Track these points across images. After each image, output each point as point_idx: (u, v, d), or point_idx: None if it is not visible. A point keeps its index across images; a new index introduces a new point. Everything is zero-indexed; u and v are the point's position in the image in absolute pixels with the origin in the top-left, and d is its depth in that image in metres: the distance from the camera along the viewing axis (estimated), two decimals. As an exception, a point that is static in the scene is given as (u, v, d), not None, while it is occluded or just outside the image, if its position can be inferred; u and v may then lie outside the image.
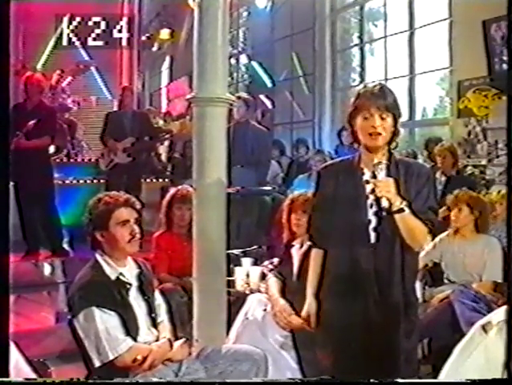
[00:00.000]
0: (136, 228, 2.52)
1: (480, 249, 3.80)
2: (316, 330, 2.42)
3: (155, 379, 2.41)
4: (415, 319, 2.40)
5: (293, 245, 3.23)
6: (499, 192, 4.67)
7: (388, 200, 2.20)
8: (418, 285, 3.52)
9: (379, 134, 2.26)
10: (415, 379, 2.33)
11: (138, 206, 2.57)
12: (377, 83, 2.36)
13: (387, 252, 2.28)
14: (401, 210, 2.20)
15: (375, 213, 2.29)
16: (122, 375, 2.37)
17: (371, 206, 2.29)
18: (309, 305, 2.41)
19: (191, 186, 3.21)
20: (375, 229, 2.29)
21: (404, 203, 2.21)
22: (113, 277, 2.47)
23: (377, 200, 2.23)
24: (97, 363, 2.37)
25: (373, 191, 2.22)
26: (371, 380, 2.05)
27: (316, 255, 2.44)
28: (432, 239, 4.00)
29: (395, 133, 2.31)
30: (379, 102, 2.25)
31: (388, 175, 2.26)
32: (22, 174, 5.13)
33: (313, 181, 2.55)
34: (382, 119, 2.26)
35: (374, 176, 2.25)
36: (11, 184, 5.34)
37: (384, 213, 2.25)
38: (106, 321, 2.36)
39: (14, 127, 5.41)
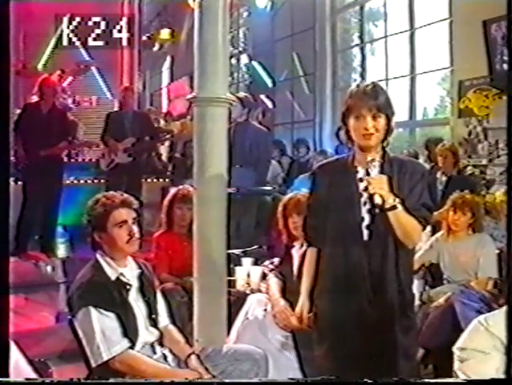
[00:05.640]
0: (135, 229, 2.50)
1: (473, 247, 3.84)
2: (313, 329, 2.42)
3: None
4: (412, 315, 2.41)
5: (293, 246, 3.23)
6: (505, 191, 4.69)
7: (381, 197, 2.20)
8: (417, 284, 3.54)
9: (372, 134, 2.26)
10: (414, 379, 2.32)
11: (136, 206, 2.55)
12: (369, 82, 2.35)
13: (380, 249, 2.28)
14: (394, 207, 2.21)
15: (369, 211, 2.29)
16: (122, 376, 2.37)
17: (365, 204, 2.29)
18: (302, 304, 2.43)
19: (192, 186, 3.21)
20: (368, 227, 2.29)
21: (397, 200, 2.21)
22: (113, 277, 2.46)
23: (370, 197, 2.23)
24: (93, 364, 2.36)
25: (366, 188, 2.22)
26: (372, 380, 2.05)
27: (311, 254, 2.45)
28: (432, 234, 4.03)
29: (388, 131, 2.31)
30: (371, 102, 2.25)
31: (382, 172, 2.27)
32: (36, 176, 5.22)
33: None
34: (374, 119, 2.26)
35: (367, 174, 2.25)
36: (20, 183, 5.44)
37: (377, 211, 2.25)
38: (102, 321, 2.35)
39: (28, 129, 5.46)
